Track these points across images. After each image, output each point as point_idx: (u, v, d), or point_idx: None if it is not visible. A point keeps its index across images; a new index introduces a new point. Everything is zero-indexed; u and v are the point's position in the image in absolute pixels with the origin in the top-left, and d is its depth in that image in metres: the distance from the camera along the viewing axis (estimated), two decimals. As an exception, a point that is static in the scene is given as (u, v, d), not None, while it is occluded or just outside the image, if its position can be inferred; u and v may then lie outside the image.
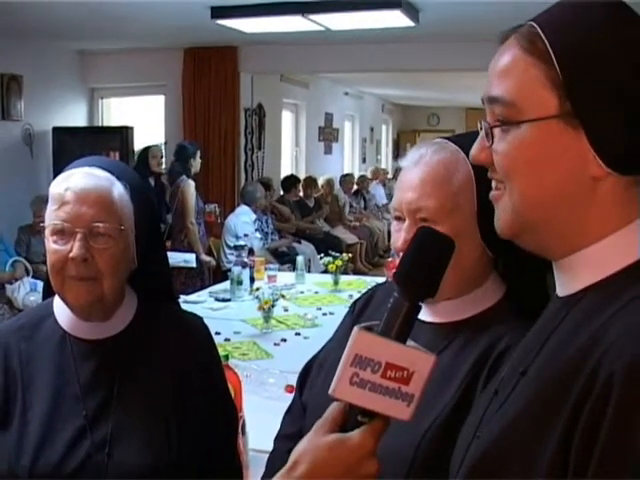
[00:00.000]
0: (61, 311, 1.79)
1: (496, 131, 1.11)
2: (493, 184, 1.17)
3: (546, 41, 1.06)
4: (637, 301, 0.99)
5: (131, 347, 1.78)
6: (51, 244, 1.67)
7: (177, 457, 1.72)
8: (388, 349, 1.11)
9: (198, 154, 8.12)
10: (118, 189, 1.71)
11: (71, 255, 1.64)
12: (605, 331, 0.98)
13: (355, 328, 1.13)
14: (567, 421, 0.96)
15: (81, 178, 1.68)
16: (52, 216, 1.67)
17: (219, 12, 7.43)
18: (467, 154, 1.57)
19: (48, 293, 1.83)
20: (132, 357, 1.78)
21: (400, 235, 1.63)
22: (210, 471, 1.82)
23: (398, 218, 1.67)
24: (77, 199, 1.65)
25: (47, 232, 1.68)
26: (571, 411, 0.96)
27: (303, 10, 7.18)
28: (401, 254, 1.62)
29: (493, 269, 1.68)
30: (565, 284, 1.14)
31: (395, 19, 7.35)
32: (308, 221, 11.88)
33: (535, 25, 1.09)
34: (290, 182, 11.79)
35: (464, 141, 1.63)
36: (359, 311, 1.91)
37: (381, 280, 1.83)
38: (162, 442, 1.71)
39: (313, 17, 7.40)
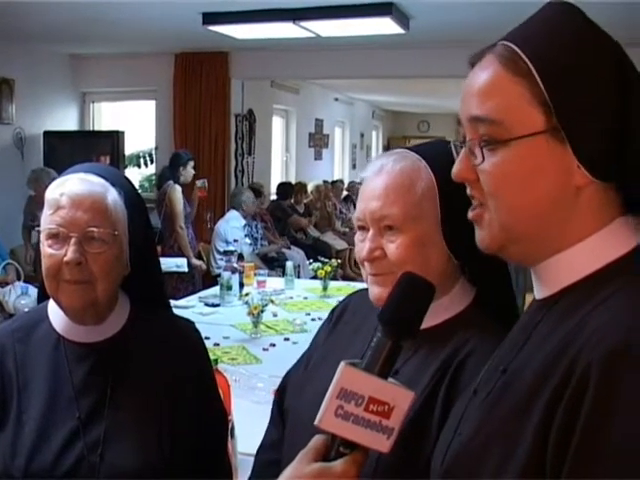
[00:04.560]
0: (55, 314, 1.81)
1: (483, 150, 1.14)
2: (473, 202, 1.20)
3: (526, 59, 1.10)
4: (612, 297, 1.04)
5: (124, 350, 1.81)
6: (46, 248, 1.70)
7: (169, 459, 1.74)
8: (371, 384, 1.18)
9: (190, 164, 8.08)
10: (112, 195, 1.73)
11: (65, 259, 1.66)
12: (582, 327, 1.03)
13: (342, 363, 1.20)
14: (545, 412, 1.00)
15: (76, 184, 1.70)
16: (47, 221, 1.70)
17: (210, 18, 7.46)
18: (428, 163, 1.61)
19: (43, 297, 1.86)
20: (125, 360, 1.80)
21: (365, 244, 1.64)
22: (201, 473, 1.84)
23: (362, 228, 1.67)
24: (72, 204, 1.68)
25: (42, 236, 1.71)
26: (548, 403, 1.00)
27: (294, 17, 7.21)
28: (366, 264, 1.66)
29: (461, 275, 1.69)
30: (543, 287, 1.18)
31: (386, 26, 7.38)
32: (298, 227, 11.90)
33: (511, 45, 1.13)
34: (284, 188, 11.82)
35: (424, 150, 1.67)
36: (336, 319, 1.93)
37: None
38: (154, 444, 1.74)
39: (304, 24, 7.43)
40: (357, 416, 1.17)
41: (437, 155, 1.65)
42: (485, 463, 1.09)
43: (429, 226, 1.61)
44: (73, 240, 1.67)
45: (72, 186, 1.70)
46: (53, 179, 1.79)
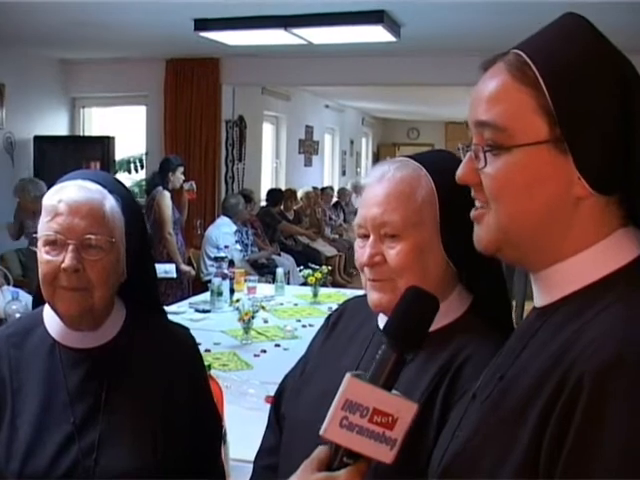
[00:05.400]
0: (51, 320, 1.81)
1: (487, 154, 1.16)
2: (476, 203, 1.22)
3: (535, 70, 1.12)
4: (608, 309, 1.05)
5: (119, 356, 1.81)
6: (43, 255, 1.70)
7: (163, 463, 1.75)
8: (376, 396, 1.20)
9: (180, 170, 8.01)
10: (110, 202, 1.73)
11: (63, 266, 1.66)
12: (578, 337, 1.05)
13: (347, 375, 1.22)
14: (539, 419, 1.02)
15: (74, 191, 1.71)
16: (45, 227, 1.70)
17: (202, 24, 7.46)
18: (428, 171, 1.63)
19: (38, 302, 1.86)
20: (120, 366, 1.81)
21: (365, 250, 1.66)
22: (196, 475, 1.85)
23: (363, 236, 1.68)
24: (70, 211, 1.68)
25: (40, 243, 1.71)
26: (543, 410, 1.02)
27: (286, 24, 7.22)
28: (365, 269, 1.67)
29: (458, 282, 1.71)
30: (542, 295, 1.20)
31: (377, 34, 7.40)
32: (288, 234, 11.92)
33: (522, 54, 1.15)
34: (273, 195, 11.84)
35: (424, 159, 1.69)
36: (332, 325, 1.94)
37: (359, 292, 1.90)
38: (149, 448, 1.74)
39: (296, 31, 7.45)
40: (361, 427, 1.19)
41: (437, 164, 1.67)
42: (481, 464, 1.11)
43: (429, 233, 1.63)
44: (71, 247, 1.67)
45: (70, 193, 1.70)
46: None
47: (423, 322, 1.28)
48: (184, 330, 1.99)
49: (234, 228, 8.89)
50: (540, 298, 1.21)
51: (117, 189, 1.80)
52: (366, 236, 1.67)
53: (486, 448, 1.11)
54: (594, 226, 1.14)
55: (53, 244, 1.69)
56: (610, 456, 0.93)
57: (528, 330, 1.20)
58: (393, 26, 7.27)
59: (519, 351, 1.18)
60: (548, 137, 1.11)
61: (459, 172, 1.22)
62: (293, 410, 1.82)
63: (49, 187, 1.80)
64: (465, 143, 1.23)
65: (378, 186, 1.66)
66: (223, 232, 8.72)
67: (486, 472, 1.09)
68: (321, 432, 1.21)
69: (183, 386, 1.85)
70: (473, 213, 1.23)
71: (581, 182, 1.11)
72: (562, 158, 1.11)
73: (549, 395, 1.02)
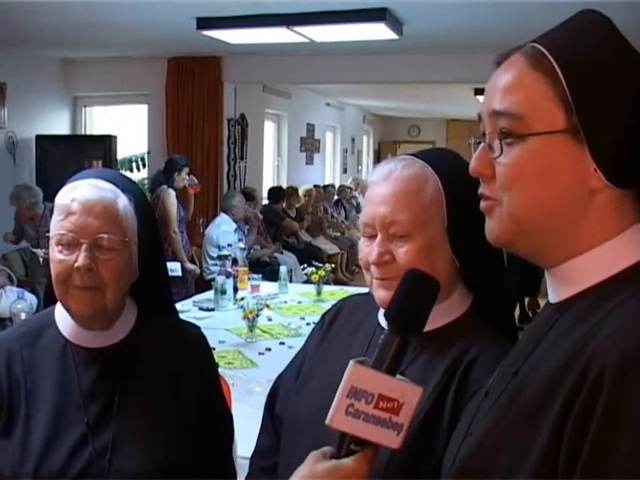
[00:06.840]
0: (63, 319, 1.81)
1: (502, 143, 1.14)
2: (486, 195, 1.21)
3: (552, 59, 1.11)
4: (626, 303, 1.05)
5: (131, 355, 1.81)
6: (56, 254, 1.69)
7: (176, 463, 1.75)
8: (381, 382, 1.20)
9: (185, 170, 8.00)
10: (123, 201, 1.73)
11: (76, 265, 1.66)
12: (596, 332, 1.04)
13: (351, 362, 1.22)
14: (559, 413, 1.01)
15: (87, 189, 1.70)
16: (58, 226, 1.69)
17: (205, 23, 7.45)
18: (434, 169, 1.63)
19: (49, 302, 1.86)
20: (132, 365, 1.80)
21: (373, 249, 1.65)
22: (209, 474, 1.85)
23: (370, 235, 1.67)
24: (83, 210, 1.68)
25: (52, 242, 1.70)
26: (563, 404, 1.01)
27: (288, 22, 7.22)
28: (372, 268, 1.66)
29: (460, 280, 1.71)
30: (557, 291, 1.19)
31: (379, 32, 7.39)
32: (290, 231, 11.92)
33: (538, 45, 1.14)
34: (275, 193, 11.85)
35: (429, 157, 1.69)
36: (328, 324, 1.93)
37: (362, 290, 1.90)
38: (162, 447, 1.74)
39: (298, 29, 7.45)
40: (367, 414, 1.19)
41: (442, 162, 1.68)
42: (497, 463, 1.10)
43: (436, 231, 1.63)
44: (84, 246, 1.67)
45: (83, 192, 1.70)
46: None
47: (424, 302, 1.28)
48: (195, 329, 1.98)
49: (234, 226, 8.88)
50: (555, 294, 1.20)
51: (130, 188, 1.79)
52: (373, 235, 1.67)
53: (502, 446, 1.10)
54: (610, 220, 1.13)
55: (66, 243, 1.69)
56: (630, 452, 0.93)
57: (542, 326, 1.19)
58: (395, 24, 7.26)
59: (533, 347, 1.18)
60: (565, 126, 1.10)
61: (472, 164, 1.20)
62: (294, 409, 1.80)
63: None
64: (477, 137, 1.22)
65: (385, 184, 1.65)
66: (223, 231, 8.70)
67: (503, 470, 1.08)
68: (327, 421, 1.20)
69: (194, 384, 1.85)
70: (483, 204, 1.21)
71: (597, 174, 1.10)
72: (578, 149, 1.10)
73: (569, 390, 1.01)
